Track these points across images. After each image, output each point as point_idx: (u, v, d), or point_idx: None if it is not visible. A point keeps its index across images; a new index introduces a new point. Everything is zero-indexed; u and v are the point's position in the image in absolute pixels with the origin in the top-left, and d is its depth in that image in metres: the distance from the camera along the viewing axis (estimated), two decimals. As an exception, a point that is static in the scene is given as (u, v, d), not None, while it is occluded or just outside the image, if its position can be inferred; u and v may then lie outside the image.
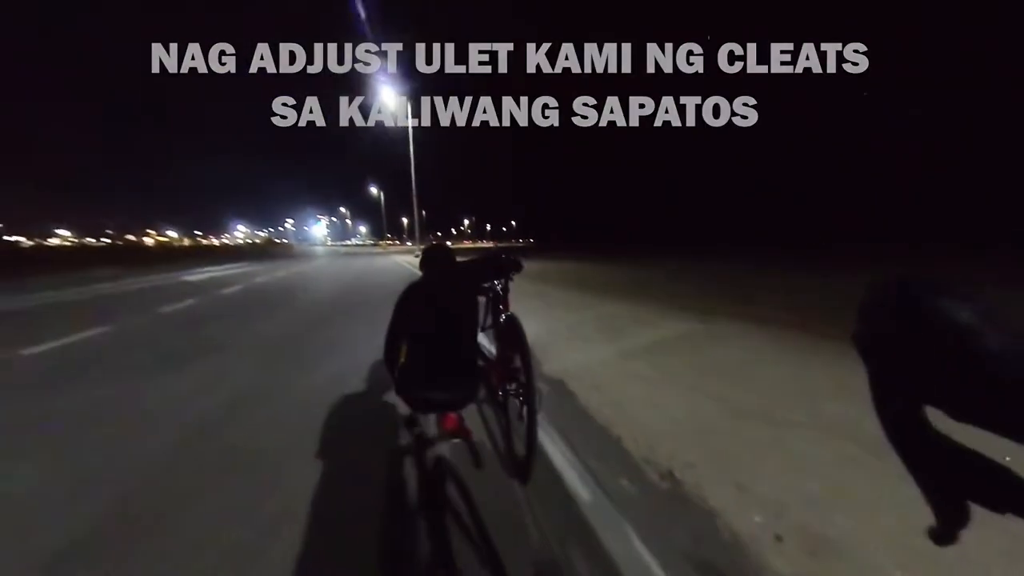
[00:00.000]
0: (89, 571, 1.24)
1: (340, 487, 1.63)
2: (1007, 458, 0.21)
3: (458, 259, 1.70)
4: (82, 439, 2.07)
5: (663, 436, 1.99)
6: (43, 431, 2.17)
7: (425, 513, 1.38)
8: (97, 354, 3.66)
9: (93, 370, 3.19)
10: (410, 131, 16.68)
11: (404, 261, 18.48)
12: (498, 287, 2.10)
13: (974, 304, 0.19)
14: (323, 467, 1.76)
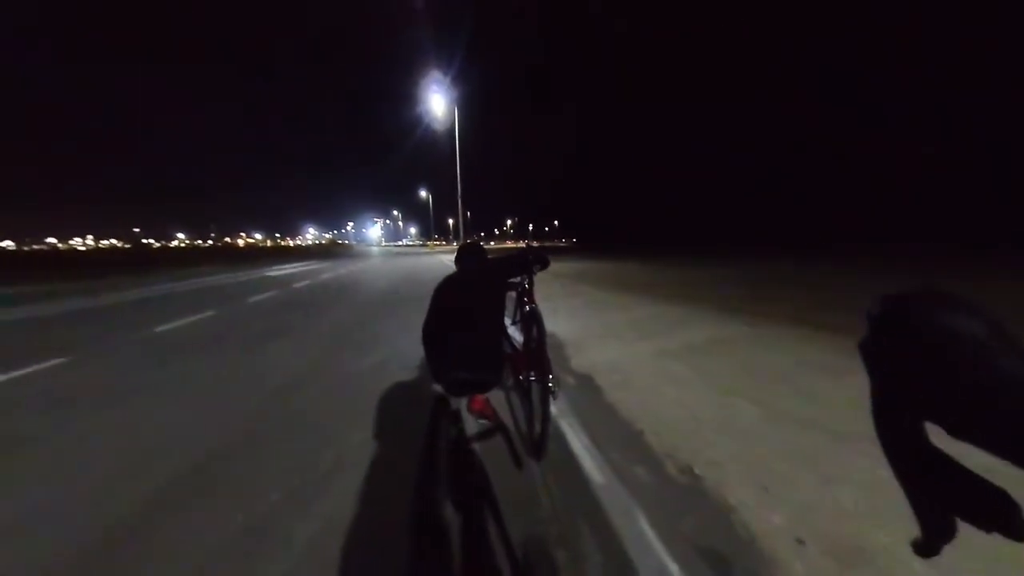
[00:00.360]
0: (225, 463, 1.63)
1: (379, 449, 1.89)
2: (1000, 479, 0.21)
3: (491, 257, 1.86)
4: (208, 391, 2.72)
5: (689, 434, 1.96)
6: (177, 389, 2.80)
7: (444, 480, 1.54)
8: (207, 332, 4.51)
9: (207, 343, 3.97)
10: (456, 136, 17.44)
11: (447, 260, 19.40)
12: (525, 283, 2.23)
13: (984, 321, 0.19)
14: (368, 430, 2.06)
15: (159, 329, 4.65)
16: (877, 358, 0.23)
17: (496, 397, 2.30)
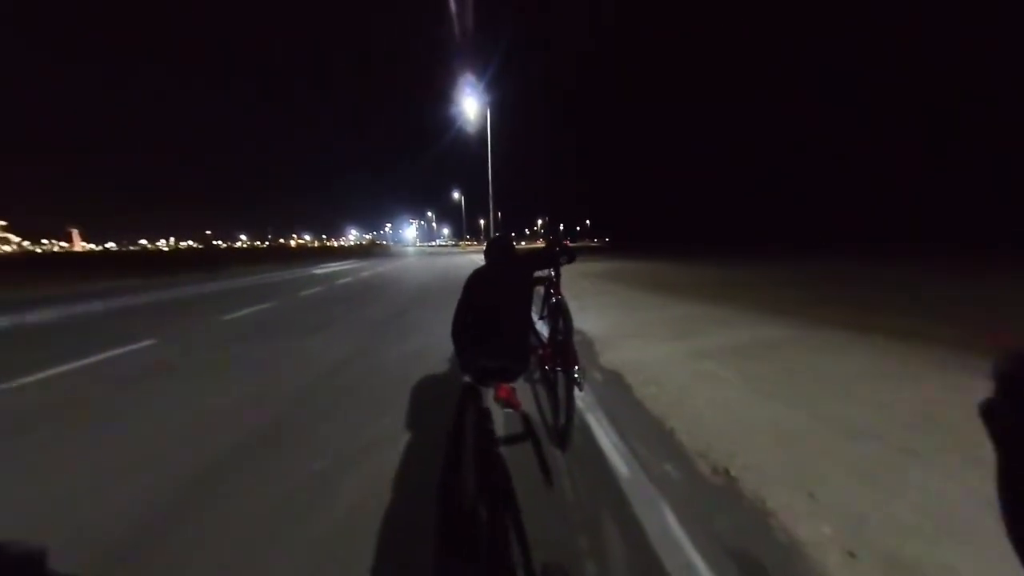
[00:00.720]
0: (283, 431, 1.82)
1: (414, 429, 1.99)
2: None
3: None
4: (270, 369, 3.04)
5: (725, 435, 1.85)
6: (244, 366, 3.15)
7: (468, 474, 1.59)
8: (265, 321, 5.01)
9: (265, 331, 4.41)
10: (489, 138, 17.69)
11: (478, 259, 19.71)
12: (552, 275, 2.23)
13: None
14: (403, 408, 2.17)
15: (226, 317, 5.23)
16: (1006, 424, 0.18)
17: (523, 390, 2.32)
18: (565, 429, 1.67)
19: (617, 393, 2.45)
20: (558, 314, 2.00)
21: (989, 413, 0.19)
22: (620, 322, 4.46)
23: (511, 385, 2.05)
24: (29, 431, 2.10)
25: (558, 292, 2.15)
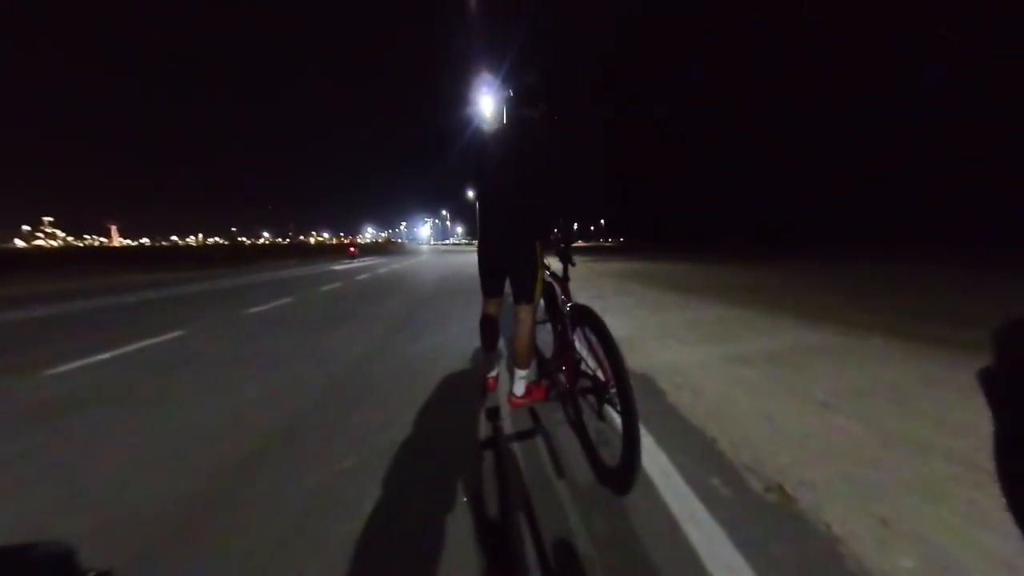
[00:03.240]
0: (306, 429, 1.79)
1: (432, 416, 1.92)
2: None
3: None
4: (293, 363, 3.04)
5: (774, 448, 1.70)
6: (269, 360, 3.16)
7: (482, 447, 1.55)
8: (288, 315, 5.09)
9: (287, 325, 4.45)
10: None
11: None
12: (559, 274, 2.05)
13: None
14: (424, 400, 2.12)
15: (250, 311, 5.35)
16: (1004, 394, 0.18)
17: (552, 408, 2.20)
18: (613, 466, 1.39)
19: (650, 399, 2.31)
20: (573, 323, 1.82)
21: (988, 382, 0.18)
22: (644, 324, 4.30)
23: (522, 397, 1.99)
24: (78, 413, 2.16)
25: (567, 296, 1.96)
